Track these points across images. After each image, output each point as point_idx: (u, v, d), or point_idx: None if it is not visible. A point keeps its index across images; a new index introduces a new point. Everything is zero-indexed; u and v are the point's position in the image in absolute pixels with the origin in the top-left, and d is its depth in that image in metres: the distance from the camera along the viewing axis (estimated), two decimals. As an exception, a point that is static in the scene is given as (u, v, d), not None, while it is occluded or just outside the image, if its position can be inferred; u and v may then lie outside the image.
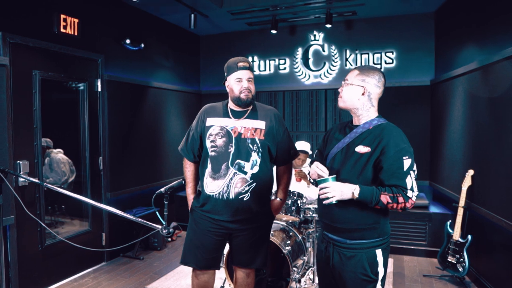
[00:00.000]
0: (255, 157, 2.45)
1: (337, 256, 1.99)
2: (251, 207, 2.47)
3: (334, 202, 1.86)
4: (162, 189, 2.21)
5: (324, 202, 1.88)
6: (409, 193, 1.83)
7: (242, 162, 2.43)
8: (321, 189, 1.90)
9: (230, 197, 2.43)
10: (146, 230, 4.50)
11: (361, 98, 1.99)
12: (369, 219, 1.92)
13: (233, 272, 2.77)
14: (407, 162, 1.85)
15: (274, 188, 2.77)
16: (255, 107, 2.57)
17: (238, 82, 2.44)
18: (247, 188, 2.44)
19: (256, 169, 2.45)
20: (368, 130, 1.98)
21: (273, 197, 2.71)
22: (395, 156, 1.85)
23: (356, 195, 1.83)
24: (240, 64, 2.45)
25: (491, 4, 3.54)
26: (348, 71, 2.09)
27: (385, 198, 1.81)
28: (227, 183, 2.43)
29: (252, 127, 2.48)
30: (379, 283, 1.95)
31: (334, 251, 2.00)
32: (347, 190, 1.85)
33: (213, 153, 2.46)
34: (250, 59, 6.04)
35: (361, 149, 1.93)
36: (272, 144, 2.52)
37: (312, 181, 2.18)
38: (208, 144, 2.47)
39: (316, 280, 3.66)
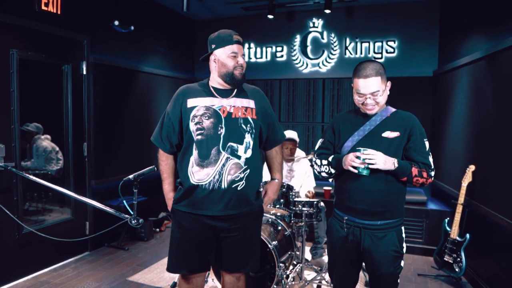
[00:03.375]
0: (248, 138, 2.18)
1: (368, 239, 2.11)
2: (246, 197, 2.20)
3: (366, 173, 1.98)
4: (131, 176, 2.03)
5: (364, 166, 1.97)
6: (432, 173, 2.08)
7: (235, 145, 2.15)
8: (360, 158, 1.98)
9: (223, 186, 2.12)
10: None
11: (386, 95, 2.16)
12: (399, 198, 2.15)
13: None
14: (427, 144, 2.12)
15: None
16: (241, 86, 2.30)
17: (233, 57, 2.17)
18: (241, 175, 2.15)
19: (249, 152, 2.18)
20: (387, 117, 2.14)
21: (261, 189, 2.44)
22: (420, 138, 2.09)
23: (396, 164, 2.01)
24: (236, 37, 2.18)
25: (499, -11, 3.32)
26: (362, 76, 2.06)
27: (414, 171, 2.03)
28: (219, 170, 2.12)
29: (242, 106, 2.21)
30: (403, 257, 2.17)
31: (365, 235, 2.12)
32: (389, 161, 2.00)
33: (199, 137, 2.13)
34: (246, 45, 5.83)
35: (389, 134, 2.09)
36: (264, 125, 2.28)
37: (330, 172, 2.21)
38: (193, 127, 2.14)
39: (304, 277, 3.49)
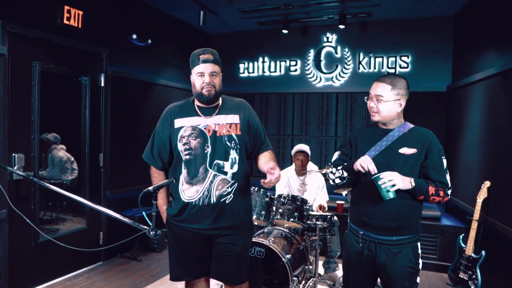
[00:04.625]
0: (233, 155, 2.27)
1: (383, 254, 2.11)
2: (235, 209, 2.27)
3: (392, 195, 1.94)
4: (150, 188, 2.05)
5: (390, 189, 1.94)
6: (449, 191, 2.07)
7: (221, 162, 2.24)
8: (380, 182, 1.96)
9: (212, 201, 2.22)
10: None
11: (398, 109, 2.14)
12: (415, 214, 2.13)
13: None
14: (445, 162, 2.10)
15: None
16: (224, 100, 2.36)
17: (199, 77, 2.22)
18: (229, 190, 2.25)
19: (236, 167, 2.26)
20: (405, 133, 2.14)
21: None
22: (438, 156, 2.08)
23: (413, 183, 1.99)
24: (203, 56, 2.21)
25: (514, 6, 3.33)
26: (370, 81, 2.12)
27: (431, 190, 2.02)
28: (207, 187, 2.22)
29: (226, 123, 2.28)
30: (419, 274, 2.16)
31: (381, 250, 2.12)
32: (406, 179, 1.99)
33: (188, 157, 2.24)
34: (260, 59, 5.88)
35: (406, 150, 2.09)
36: (248, 139, 2.34)
37: (343, 177, 2.20)
38: (181, 147, 2.25)
39: (318, 292, 3.47)
